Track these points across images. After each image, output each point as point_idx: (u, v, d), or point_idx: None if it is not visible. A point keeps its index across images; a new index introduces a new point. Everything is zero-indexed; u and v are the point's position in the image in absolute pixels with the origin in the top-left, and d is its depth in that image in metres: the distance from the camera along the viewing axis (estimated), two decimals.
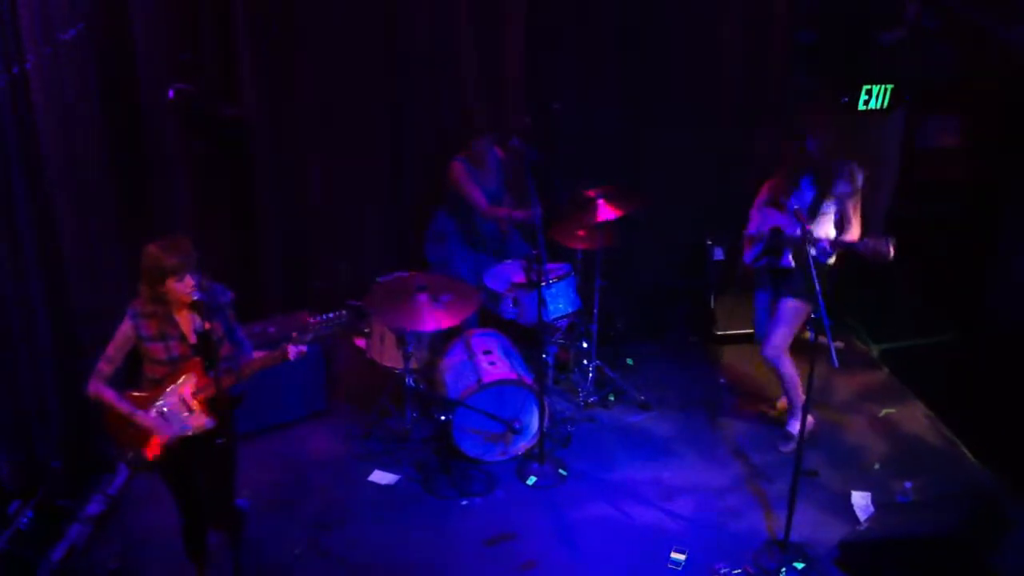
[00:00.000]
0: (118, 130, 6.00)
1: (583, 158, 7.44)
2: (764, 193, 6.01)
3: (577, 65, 7.43)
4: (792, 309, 5.96)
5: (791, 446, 5.94)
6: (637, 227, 6.65)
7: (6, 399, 5.23)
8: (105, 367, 4.54)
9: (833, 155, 5.64)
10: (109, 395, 4.54)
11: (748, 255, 6.07)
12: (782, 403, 6.51)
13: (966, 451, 6.25)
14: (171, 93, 6.52)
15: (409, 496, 5.99)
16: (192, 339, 4.57)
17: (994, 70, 6.83)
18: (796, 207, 5.36)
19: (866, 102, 7.20)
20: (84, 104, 5.64)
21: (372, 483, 6.09)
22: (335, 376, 6.89)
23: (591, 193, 6.42)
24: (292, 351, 4.68)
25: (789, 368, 6.07)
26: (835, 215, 5.71)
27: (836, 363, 4.74)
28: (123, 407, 4.55)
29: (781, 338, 6.01)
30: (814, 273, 4.92)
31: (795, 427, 6.09)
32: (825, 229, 5.69)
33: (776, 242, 5.85)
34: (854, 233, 5.65)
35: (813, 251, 5.18)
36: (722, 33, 7.42)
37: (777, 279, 6.04)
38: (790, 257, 5.84)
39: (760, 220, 5.98)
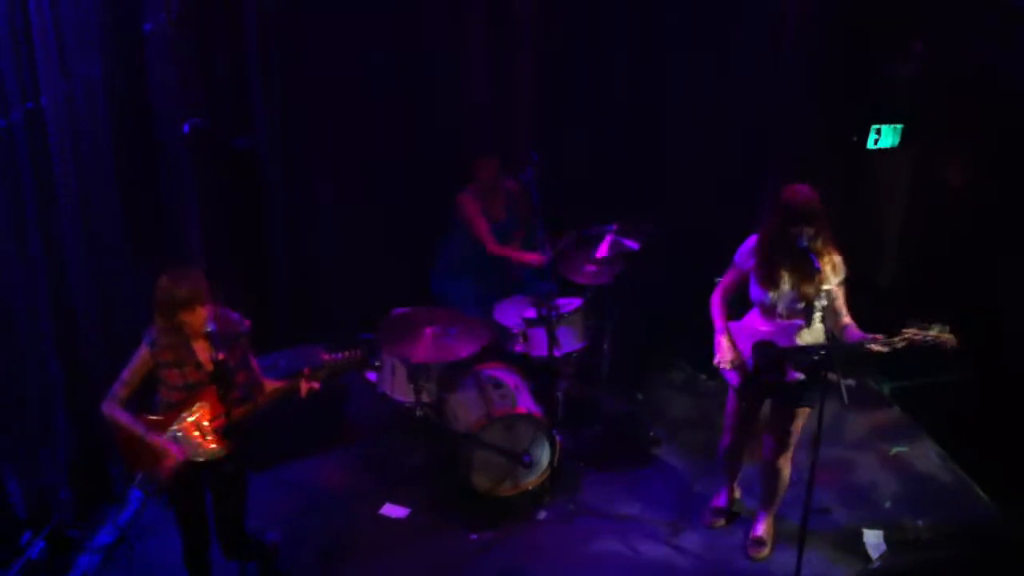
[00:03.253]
0: (130, 161, 6.07)
1: (590, 190, 7.50)
2: (731, 278, 5.33)
3: (586, 96, 7.52)
4: (805, 416, 5.32)
5: (764, 550, 5.74)
6: (646, 261, 6.66)
7: (17, 429, 5.27)
8: (120, 390, 4.60)
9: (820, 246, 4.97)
10: (123, 416, 4.59)
11: (730, 376, 5.39)
12: None
13: (978, 489, 6.21)
14: (186, 128, 6.60)
15: (419, 529, 5.99)
16: (209, 367, 4.61)
17: (999, 105, 6.86)
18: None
19: (876, 141, 7.22)
20: (97, 136, 5.70)
21: (382, 516, 6.08)
22: (346, 409, 6.90)
23: (600, 227, 6.45)
24: (304, 388, 4.71)
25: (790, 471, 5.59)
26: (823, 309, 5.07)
27: (847, 400, 4.72)
28: (136, 428, 4.58)
29: (795, 438, 5.42)
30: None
31: (762, 529, 5.77)
32: (815, 333, 5.11)
33: (771, 358, 5.19)
34: (845, 320, 5.06)
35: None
36: (731, 64, 7.46)
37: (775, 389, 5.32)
38: (794, 371, 5.15)
39: (736, 334, 5.34)
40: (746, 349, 5.28)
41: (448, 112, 7.36)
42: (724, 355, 5.28)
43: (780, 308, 5.11)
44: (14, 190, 5.04)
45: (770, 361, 5.17)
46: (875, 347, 4.85)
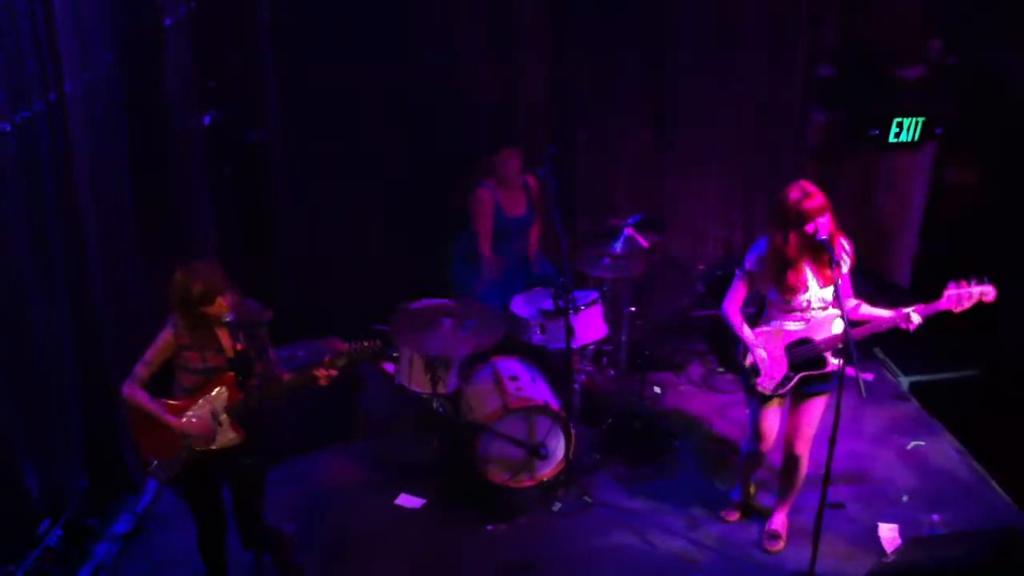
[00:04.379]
0: (145, 154, 6.10)
1: (605, 186, 7.48)
2: (742, 290, 5.27)
3: (598, 92, 7.49)
4: (825, 403, 5.33)
5: (780, 544, 5.72)
6: (662, 255, 6.66)
7: (34, 419, 5.29)
8: (142, 370, 4.62)
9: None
10: (142, 397, 4.61)
11: (764, 385, 5.29)
12: None
13: (995, 485, 6.19)
14: (207, 120, 6.63)
15: (433, 521, 6.01)
16: (230, 353, 4.63)
17: (1003, 105, 6.84)
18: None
19: (897, 135, 7.20)
20: (115, 130, 5.74)
21: (397, 507, 6.10)
22: (361, 401, 6.92)
23: (617, 221, 6.45)
24: (324, 376, 4.72)
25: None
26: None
27: (864, 395, 4.71)
28: (154, 408, 4.61)
29: (814, 429, 5.41)
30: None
31: (778, 522, 5.76)
32: (832, 324, 5.15)
33: (809, 354, 5.17)
34: (851, 303, 5.11)
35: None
36: (742, 64, 7.45)
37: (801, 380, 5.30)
38: (831, 357, 5.17)
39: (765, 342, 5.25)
40: (776, 353, 5.24)
41: (456, 109, 7.34)
42: (770, 370, 5.20)
43: (815, 303, 5.10)
44: (34, 183, 5.06)
45: (808, 358, 5.17)
46: (915, 318, 4.92)
